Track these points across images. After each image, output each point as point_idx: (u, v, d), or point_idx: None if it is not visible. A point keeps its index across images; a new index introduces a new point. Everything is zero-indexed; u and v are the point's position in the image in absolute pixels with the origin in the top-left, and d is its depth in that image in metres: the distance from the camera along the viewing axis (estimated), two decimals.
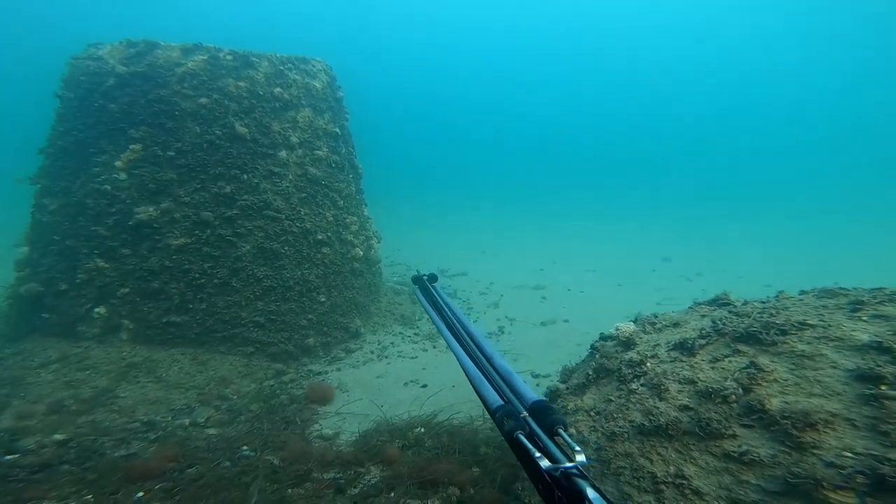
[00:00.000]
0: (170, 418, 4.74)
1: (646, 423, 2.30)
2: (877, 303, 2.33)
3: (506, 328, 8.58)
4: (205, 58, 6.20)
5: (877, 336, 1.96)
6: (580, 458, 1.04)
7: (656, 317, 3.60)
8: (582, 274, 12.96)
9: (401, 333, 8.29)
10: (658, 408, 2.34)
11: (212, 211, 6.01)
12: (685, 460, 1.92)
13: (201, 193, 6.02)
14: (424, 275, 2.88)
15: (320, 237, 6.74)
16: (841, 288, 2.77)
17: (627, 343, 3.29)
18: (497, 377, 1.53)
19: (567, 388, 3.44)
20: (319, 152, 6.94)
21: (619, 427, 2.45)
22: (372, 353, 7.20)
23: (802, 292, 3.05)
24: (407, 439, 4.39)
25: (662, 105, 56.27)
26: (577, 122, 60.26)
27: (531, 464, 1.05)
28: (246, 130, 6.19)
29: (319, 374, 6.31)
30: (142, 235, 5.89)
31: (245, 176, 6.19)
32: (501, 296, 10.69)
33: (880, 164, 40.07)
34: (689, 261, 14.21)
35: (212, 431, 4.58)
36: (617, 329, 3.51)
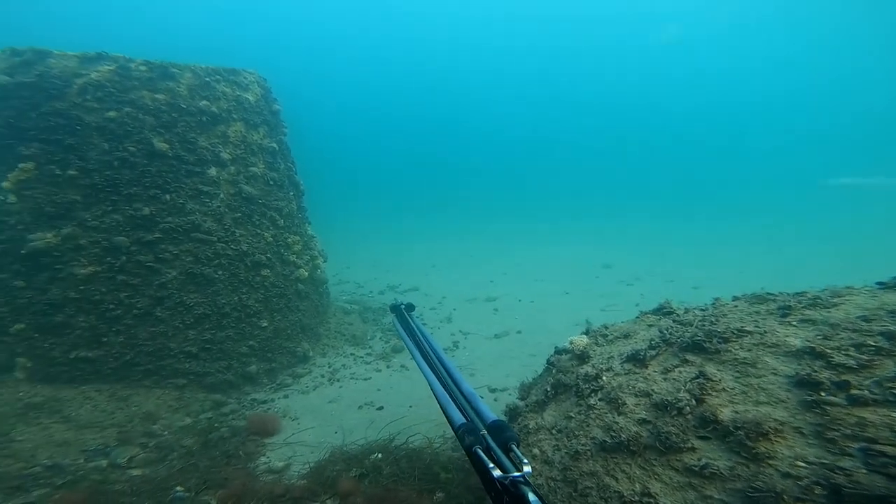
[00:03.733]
0: (82, 461, 4.25)
1: (607, 439, 2.30)
2: (802, 307, 2.54)
3: (460, 343, 8.53)
4: (112, 68, 5.62)
5: (809, 341, 2.13)
6: (526, 468, 1.21)
7: (607, 328, 3.71)
8: (531, 284, 13.37)
9: (352, 354, 7.95)
10: (618, 423, 2.35)
11: (126, 235, 5.42)
12: (650, 477, 1.93)
13: (113, 216, 5.39)
14: (402, 304, 3.06)
15: (259, 259, 6.35)
16: (769, 293, 3.02)
17: (582, 356, 3.34)
18: (462, 399, 1.71)
19: (526, 406, 3.41)
20: (255, 169, 6.59)
21: (582, 445, 2.43)
22: (322, 376, 6.89)
23: (735, 298, 3.28)
24: (364, 467, 4.20)
25: (596, 115, 60.78)
26: (520, 135, 63.26)
27: (485, 473, 1.21)
28: (167, 146, 5.69)
29: (264, 402, 5.96)
30: (39, 265, 5.15)
31: (167, 196, 5.66)
32: (454, 310, 10.66)
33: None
34: (627, 266, 15.26)
35: (136, 472, 4.18)
36: (571, 342, 3.57)
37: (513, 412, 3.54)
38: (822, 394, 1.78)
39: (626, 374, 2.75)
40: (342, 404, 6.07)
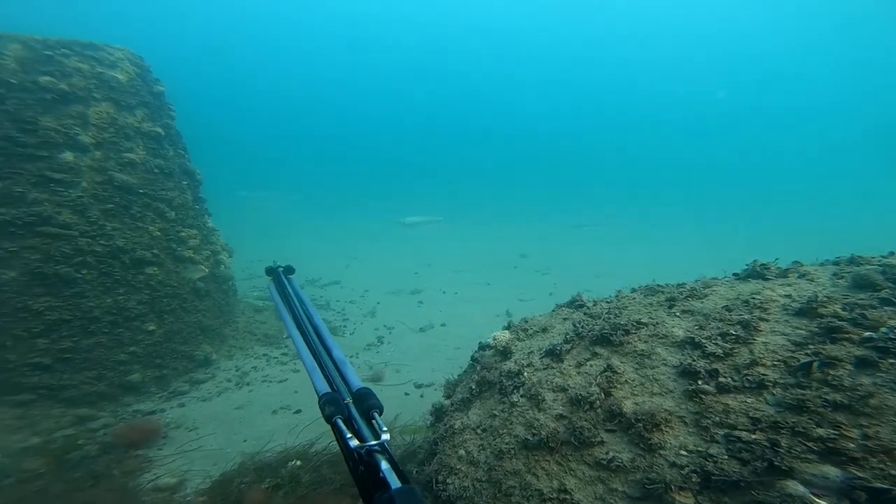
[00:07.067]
0: None
1: (529, 437, 2.38)
2: (683, 298, 2.86)
3: (385, 337, 8.37)
4: None
5: (688, 332, 2.41)
6: (384, 436, 1.18)
7: (527, 321, 3.85)
8: (455, 275, 13.65)
9: (265, 355, 7.36)
10: (538, 419, 2.45)
11: None
12: (566, 472, 2.04)
13: None
14: (280, 266, 2.73)
15: (142, 255, 5.60)
16: (658, 285, 3.36)
17: (504, 352, 3.43)
18: (332, 368, 1.63)
19: (452, 405, 3.41)
20: (132, 155, 5.83)
21: (506, 444, 2.50)
22: (228, 381, 6.35)
23: (633, 290, 3.60)
24: (279, 476, 3.90)
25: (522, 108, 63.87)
26: (439, 124, 63.86)
27: (344, 443, 1.17)
28: None
29: (151, 413, 5.38)
30: None
31: None
32: (378, 303, 10.42)
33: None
34: (540, 256, 16.41)
35: None
36: (494, 338, 3.65)
37: (439, 412, 3.53)
38: (699, 382, 1.98)
39: (544, 368, 2.88)
40: (252, 410, 5.63)
